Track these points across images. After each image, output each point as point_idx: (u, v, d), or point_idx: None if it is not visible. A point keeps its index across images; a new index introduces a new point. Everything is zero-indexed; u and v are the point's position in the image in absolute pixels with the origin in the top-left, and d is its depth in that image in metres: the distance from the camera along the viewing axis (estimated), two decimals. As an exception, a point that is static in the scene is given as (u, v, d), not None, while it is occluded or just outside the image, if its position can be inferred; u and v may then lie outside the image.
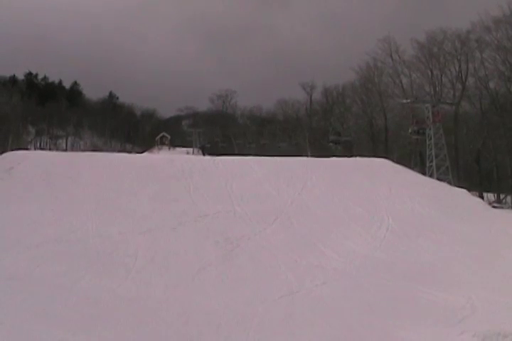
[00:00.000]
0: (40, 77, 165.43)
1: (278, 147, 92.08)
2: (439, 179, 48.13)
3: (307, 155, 62.62)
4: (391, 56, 78.72)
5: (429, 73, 73.95)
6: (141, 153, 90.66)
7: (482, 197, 57.44)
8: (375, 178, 30.59)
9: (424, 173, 50.28)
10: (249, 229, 21.52)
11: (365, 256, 19.82)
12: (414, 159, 71.65)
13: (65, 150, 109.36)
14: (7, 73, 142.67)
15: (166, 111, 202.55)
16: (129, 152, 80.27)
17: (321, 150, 70.24)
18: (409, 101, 66.10)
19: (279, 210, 24.17)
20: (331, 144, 74.21)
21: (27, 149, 71.47)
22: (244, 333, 12.51)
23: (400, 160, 49.45)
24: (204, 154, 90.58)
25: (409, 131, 63.28)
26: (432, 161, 60.45)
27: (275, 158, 35.03)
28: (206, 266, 17.50)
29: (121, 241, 19.09)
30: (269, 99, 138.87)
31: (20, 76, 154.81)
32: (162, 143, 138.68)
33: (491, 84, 68.95)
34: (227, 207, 23.81)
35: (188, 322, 13.08)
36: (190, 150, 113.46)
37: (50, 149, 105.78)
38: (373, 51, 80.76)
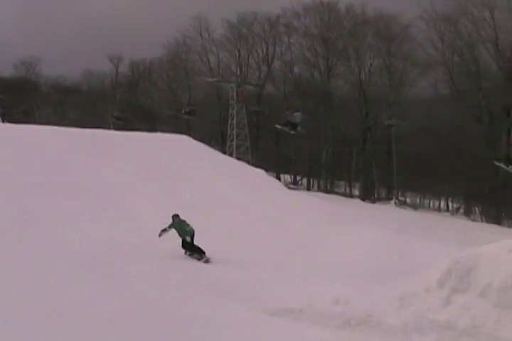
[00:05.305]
0: None
1: (81, 118, 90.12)
2: (238, 158, 49.13)
3: (109, 128, 61.95)
4: (201, 34, 78.97)
5: (237, 53, 74.97)
6: None
7: (279, 179, 59.40)
8: (176, 154, 30.76)
9: (224, 152, 51.22)
10: (47, 200, 20.86)
11: (154, 228, 19.52)
12: (215, 138, 72.56)
13: None
14: None
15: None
16: None
17: (125, 124, 69.60)
18: (214, 80, 66.94)
19: (77, 183, 23.69)
20: (113, 119, 74.02)
21: None
22: None
23: (203, 138, 49.84)
24: (3, 121, 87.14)
25: (182, 111, 64.24)
26: (232, 140, 61.65)
27: (76, 129, 34.21)
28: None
29: None
30: (75, 70, 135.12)
31: None
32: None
33: (296, 69, 71.42)
34: (28, 178, 22.83)
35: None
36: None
37: None
38: (184, 28, 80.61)
